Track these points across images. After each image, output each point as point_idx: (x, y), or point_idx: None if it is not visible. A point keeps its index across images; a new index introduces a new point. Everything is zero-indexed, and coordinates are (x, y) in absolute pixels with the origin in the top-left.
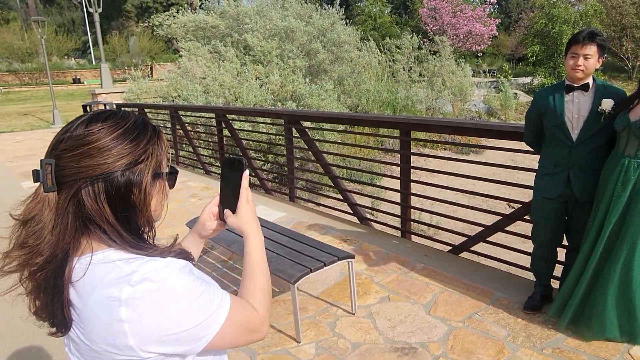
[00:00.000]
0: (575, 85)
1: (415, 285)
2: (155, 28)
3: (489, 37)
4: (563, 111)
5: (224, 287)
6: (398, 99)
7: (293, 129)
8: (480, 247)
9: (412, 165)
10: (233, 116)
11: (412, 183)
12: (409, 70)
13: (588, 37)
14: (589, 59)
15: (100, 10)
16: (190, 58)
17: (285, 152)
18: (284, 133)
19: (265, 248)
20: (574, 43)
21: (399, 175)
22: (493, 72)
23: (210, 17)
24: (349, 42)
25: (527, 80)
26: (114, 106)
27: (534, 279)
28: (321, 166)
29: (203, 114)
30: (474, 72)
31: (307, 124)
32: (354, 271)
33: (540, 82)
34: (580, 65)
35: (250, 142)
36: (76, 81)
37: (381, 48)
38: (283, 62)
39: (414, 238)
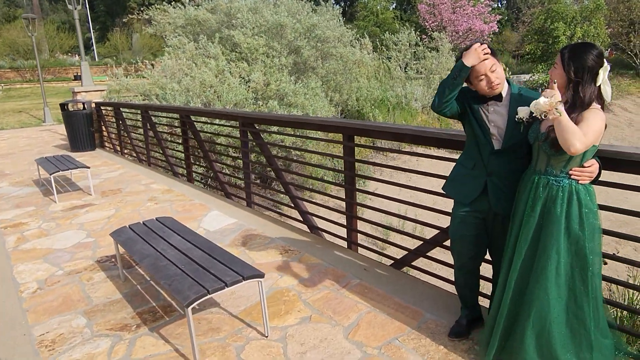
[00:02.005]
0: (488, 96)
1: (343, 304)
2: (147, 24)
3: (489, 34)
4: (482, 118)
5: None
6: (390, 97)
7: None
8: (424, 262)
9: (357, 173)
10: (204, 118)
11: (357, 192)
12: (405, 67)
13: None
14: (497, 69)
15: (79, 8)
16: (171, 56)
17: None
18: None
19: (173, 264)
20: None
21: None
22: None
23: (200, 12)
24: (339, 39)
25: (528, 77)
26: (92, 105)
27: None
28: (273, 171)
29: (171, 115)
30: None
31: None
32: (283, 287)
33: (540, 79)
34: (493, 82)
35: (215, 145)
36: (77, 78)
37: (378, 44)
38: (269, 60)
39: (361, 250)
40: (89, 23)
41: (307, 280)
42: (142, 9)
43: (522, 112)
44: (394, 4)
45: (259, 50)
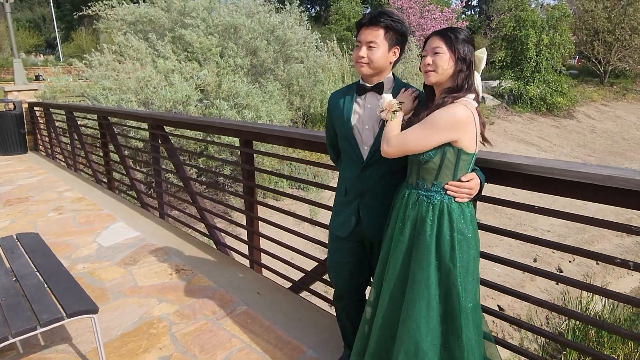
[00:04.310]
0: (368, 85)
1: (215, 339)
2: (95, 22)
3: None
4: (350, 119)
5: None
6: None
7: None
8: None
9: (256, 183)
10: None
11: (258, 205)
12: None
13: (370, 19)
14: (374, 49)
15: (11, 0)
16: (106, 54)
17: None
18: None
19: None
20: (357, 27)
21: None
22: None
23: (151, 9)
24: (302, 42)
25: (495, 83)
26: (23, 105)
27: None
28: (181, 179)
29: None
30: None
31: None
32: (155, 316)
33: (508, 86)
34: (363, 57)
35: (135, 151)
36: (37, 78)
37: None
38: (223, 61)
39: (265, 271)
40: (53, 21)
41: (187, 307)
42: (97, 4)
43: (387, 105)
44: (368, 8)
45: (212, 50)
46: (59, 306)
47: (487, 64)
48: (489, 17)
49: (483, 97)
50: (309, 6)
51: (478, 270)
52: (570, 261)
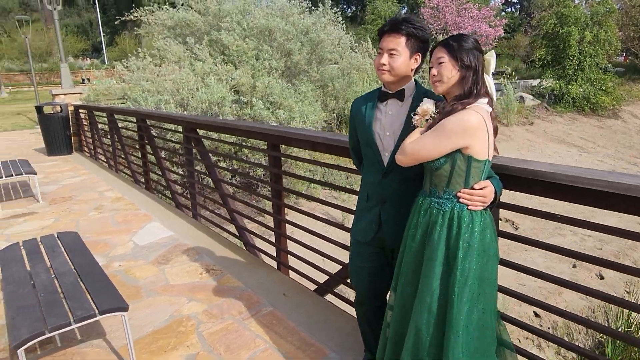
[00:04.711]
0: (390, 92)
1: (241, 339)
2: (137, 28)
3: (495, 39)
4: (372, 125)
5: None
6: None
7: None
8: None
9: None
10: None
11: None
12: None
13: (391, 27)
14: (395, 56)
15: (59, 7)
16: (142, 57)
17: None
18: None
19: (34, 292)
20: (379, 34)
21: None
22: (506, 74)
23: (189, 14)
24: (336, 43)
25: (536, 82)
26: (68, 107)
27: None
28: (212, 181)
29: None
30: None
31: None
32: (185, 315)
33: (549, 85)
34: (384, 65)
35: (172, 152)
36: (84, 81)
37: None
38: (259, 63)
39: (292, 273)
40: (99, 26)
41: (215, 307)
42: (138, 10)
43: (425, 111)
44: (404, 8)
45: (248, 53)
46: (92, 304)
47: (526, 62)
48: (529, 14)
49: (522, 97)
50: (344, 6)
51: (493, 279)
52: None
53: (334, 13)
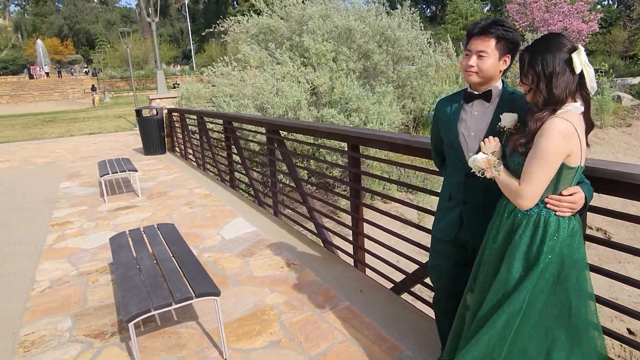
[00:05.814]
0: (476, 92)
1: (319, 330)
2: (223, 35)
3: (588, 34)
4: (456, 126)
5: None
6: None
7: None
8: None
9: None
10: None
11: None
12: None
13: (481, 29)
14: (484, 58)
15: (157, 19)
16: (227, 63)
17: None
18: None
19: (140, 274)
20: (468, 36)
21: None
22: (601, 72)
23: (272, 20)
24: (413, 42)
25: (636, 80)
26: (163, 111)
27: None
28: (293, 180)
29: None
30: None
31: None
32: (268, 304)
33: None
34: (472, 67)
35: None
36: (175, 86)
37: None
38: (337, 65)
39: (369, 271)
40: (189, 35)
41: (295, 299)
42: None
43: (506, 120)
44: (488, 5)
45: (327, 55)
46: (189, 287)
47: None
48: (628, 6)
49: (619, 96)
50: (424, 6)
51: (586, 288)
52: None
53: (412, 14)
